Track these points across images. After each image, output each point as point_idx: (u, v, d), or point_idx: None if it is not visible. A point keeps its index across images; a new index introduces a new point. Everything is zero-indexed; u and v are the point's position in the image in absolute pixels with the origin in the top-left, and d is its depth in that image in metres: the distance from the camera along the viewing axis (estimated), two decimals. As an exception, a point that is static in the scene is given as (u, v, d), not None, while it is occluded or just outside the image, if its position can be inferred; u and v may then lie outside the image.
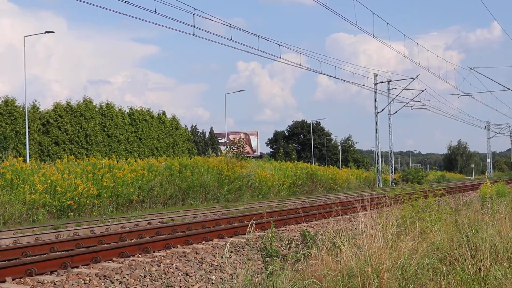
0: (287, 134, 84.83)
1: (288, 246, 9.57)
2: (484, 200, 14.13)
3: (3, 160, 20.84)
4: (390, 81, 52.70)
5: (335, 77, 39.95)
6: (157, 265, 8.69)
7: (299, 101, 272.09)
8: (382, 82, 52.43)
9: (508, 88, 44.79)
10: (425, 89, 51.36)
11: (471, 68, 35.52)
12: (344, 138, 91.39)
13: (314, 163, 53.46)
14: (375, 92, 51.62)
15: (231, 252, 10.09)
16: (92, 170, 22.45)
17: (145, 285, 7.80)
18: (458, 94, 50.99)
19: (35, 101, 42.21)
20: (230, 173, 30.01)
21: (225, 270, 9.10)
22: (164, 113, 51.23)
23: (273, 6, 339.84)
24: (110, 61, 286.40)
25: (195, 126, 66.76)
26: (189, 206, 24.78)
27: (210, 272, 8.88)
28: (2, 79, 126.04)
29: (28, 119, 33.79)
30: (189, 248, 10.32)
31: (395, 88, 52.15)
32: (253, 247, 10.34)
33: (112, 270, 8.14)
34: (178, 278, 8.36)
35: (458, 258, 6.91)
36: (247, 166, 32.80)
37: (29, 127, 34.88)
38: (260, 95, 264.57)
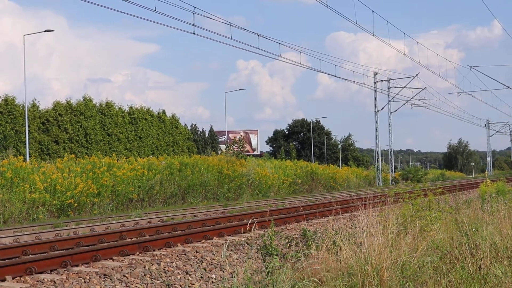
0: (287, 132, 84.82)
1: (288, 245, 9.58)
2: (484, 198, 14.13)
3: (3, 159, 20.84)
4: (390, 79, 52.74)
5: (335, 76, 39.92)
6: (157, 263, 8.70)
7: (299, 100, 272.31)
8: (382, 80, 52.47)
9: (508, 87, 44.77)
10: (425, 87, 51.40)
11: (471, 67, 35.51)
12: (344, 136, 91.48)
13: (314, 162, 53.58)
14: (375, 90, 51.63)
15: (231, 250, 10.09)
16: (92, 168, 22.45)
17: (145, 284, 7.81)
18: (458, 93, 50.99)
19: (35, 99, 42.23)
20: (230, 172, 30.01)
21: (225, 269, 9.10)
22: (164, 111, 51.26)
23: (273, 4, 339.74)
24: (110, 60, 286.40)
25: (195, 124, 66.73)
26: (189, 205, 24.79)
27: (210, 271, 8.88)
28: (2, 77, 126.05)
29: (28, 118, 33.78)
30: (189, 246, 10.33)
31: (395, 87, 52.20)
32: (253, 246, 10.34)
33: (112, 269, 8.14)
34: (178, 276, 8.37)
35: (458, 257, 6.91)
36: (247, 164, 32.81)
37: (29, 126, 34.87)
38: (260, 94, 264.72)
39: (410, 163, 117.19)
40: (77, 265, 8.50)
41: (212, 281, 8.49)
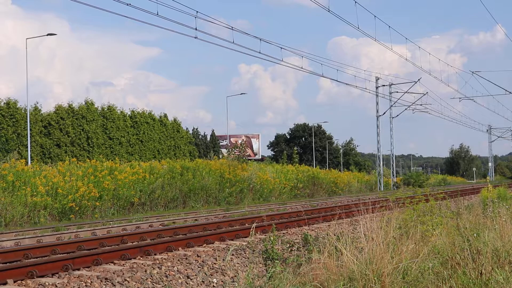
0: (288, 137, 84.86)
1: (289, 249, 9.57)
2: (485, 204, 14.10)
3: (5, 162, 20.86)
4: (392, 84, 52.73)
5: (337, 80, 39.95)
6: (158, 267, 8.70)
7: (301, 104, 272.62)
8: (384, 85, 52.47)
9: (510, 92, 44.72)
10: (427, 92, 51.42)
11: (472, 72, 35.53)
12: (346, 141, 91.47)
13: (316, 166, 53.53)
14: (377, 95, 51.64)
15: (232, 255, 10.09)
16: (93, 172, 22.46)
17: (146, 288, 7.80)
18: (459, 98, 50.90)
19: (37, 103, 42.31)
20: (232, 176, 30.00)
21: (226, 273, 9.10)
22: (165, 115, 51.27)
23: (276, 8, 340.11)
24: (112, 63, 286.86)
25: (197, 128, 66.89)
26: (190, 209, 24.79)
27: (211, 275, 8.88)
28: (4, 81, 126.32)
29: (30, 121, 33.82)
30: (190, 250, 10.33)
31: (397, 92, 52.16)
32: (254, 250, 10.34)
33: (114, 273, 8.14)
34: (179, 280, 8.37)
35: (460, 262, 6.90)
36: (248, 169, 32.80)
37: (30, 129, 34.92)
38: (262, 98, 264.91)
39: (412, 168, 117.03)
40: (78, 269, 8.50)
41: (213, 286, 8.48)
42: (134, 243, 11.18)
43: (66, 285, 7.43)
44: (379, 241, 6.55)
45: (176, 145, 51.10)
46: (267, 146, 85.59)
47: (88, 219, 20.31)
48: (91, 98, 45.08)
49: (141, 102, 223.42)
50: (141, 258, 9.54)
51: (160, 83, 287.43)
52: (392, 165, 56.57)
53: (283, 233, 12.76)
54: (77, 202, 20.44)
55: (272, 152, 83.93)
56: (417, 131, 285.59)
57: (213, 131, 69.12)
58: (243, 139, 68.23)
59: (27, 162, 25.26)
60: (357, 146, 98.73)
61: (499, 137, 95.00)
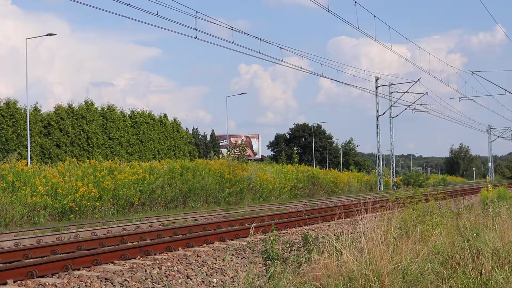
0: (288, 137, 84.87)
1: (289, 249, 9.57)
2: (485, 203, 14.11)
3: (5, 162, 20.85)
4: (392, 84, 52.72)
5: (336, 80, 39.87)
6: (158, 267, 8.70)
7: (301, 104, 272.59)
8: (384, 85, 52.46)
9: (510, 92, 44.70)
10: (427, 92, 51.44)
11: (472, 72, 35.50)
12: (346, 141, 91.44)
13: (315, 166, 53.57)
14: (377, 95, 51.64)
15: (232, 255, 10.09)
16: (93, 172, 22.46)
17: (146, 288, 7.80)
18: (459, 98, 50.83)
19: (37, 103, 42.16)
20: (232, 176, 30.00)
21: (226, 273, 9.10)
22: (165, 115, 51.25)
23: (276, 8, 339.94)
24: (112, 64, 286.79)
25: (197, 128, 66.86)
26: (190, 209, 24.79)
27: (211, 275, 8.88)
28: (4, 81, 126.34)
29: (29, 121, 33.80)
30: (190, 250, 10.33)
31: (397, 92, 52.16)
32: (254, 250, 10.34)
33: (113, 273, 8.15)
34: (179, 280, 8.37)
35: (460, 262, 6.90)
36: (248, 169, 32.81)
37: (30, 130, 34.90)
38: (262, 98, 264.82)
39: (412, 168, 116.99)
40: (78, 269, 8.51)
41: (213, 286, 8.48)
42: (134, 243, 11.19)
43: (66, 285, 7.43)
44: (379, 241, 6.55)
45: (176, 145, 51.09)
46: (267, 146, 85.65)
47: (88, 219, 20.32)
48: (91, 98, 44.94)
49: (141, 103, 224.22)
50: (141, 258, 9.55)
51: (160, 84, 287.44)
52: (392, 165, 56.59)
53: (283, 233, 12.77)
54: (77, 202, 20.44)
55: (272, 152, 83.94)
56: (417, 131, 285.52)
57: (213, 131, 69.14)
58: (243, 139, 68.20)
59: (27, 163, 25.27)
60: (357, 146, 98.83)
61: (498, 137, 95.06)
